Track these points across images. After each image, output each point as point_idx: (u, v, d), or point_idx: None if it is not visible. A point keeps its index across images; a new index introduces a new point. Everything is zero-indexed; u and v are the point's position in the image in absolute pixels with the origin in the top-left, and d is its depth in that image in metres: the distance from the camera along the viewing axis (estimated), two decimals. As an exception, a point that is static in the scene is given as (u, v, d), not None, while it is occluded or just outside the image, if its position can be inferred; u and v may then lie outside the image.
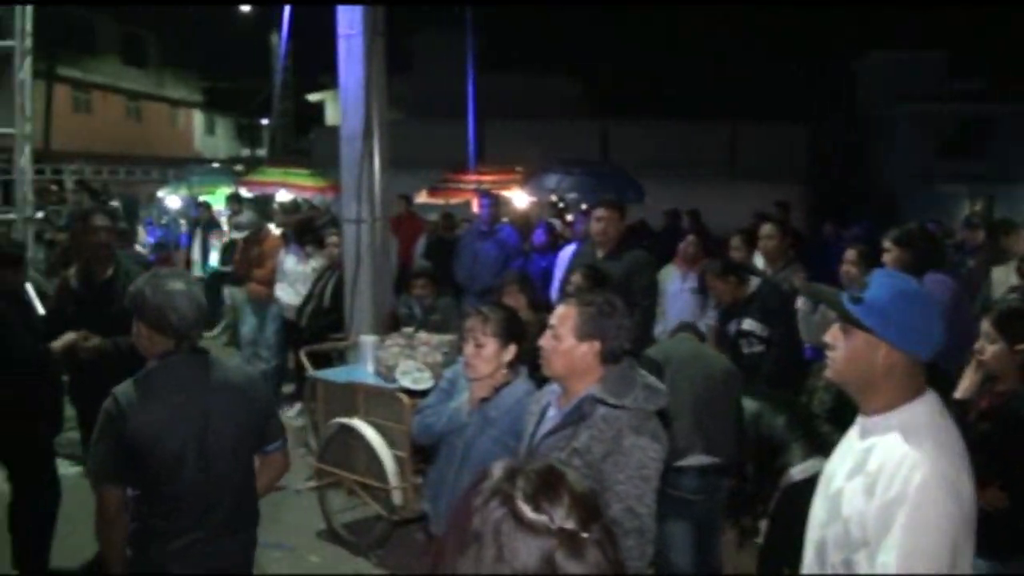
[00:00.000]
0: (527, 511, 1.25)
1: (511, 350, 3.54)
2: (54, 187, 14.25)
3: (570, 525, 1.25)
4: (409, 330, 5.94)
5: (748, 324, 5.60)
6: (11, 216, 8.06)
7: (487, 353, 3.51)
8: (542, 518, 1.25)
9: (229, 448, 3.08)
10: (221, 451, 3.04)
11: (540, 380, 3.34)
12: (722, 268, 5.86)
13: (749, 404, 4.58)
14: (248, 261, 9.22)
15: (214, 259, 12.15)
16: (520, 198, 13.64)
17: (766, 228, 6.79)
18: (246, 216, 9.85)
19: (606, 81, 28.63)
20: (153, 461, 2.93)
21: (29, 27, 7.83)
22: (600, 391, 2.87)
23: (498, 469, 1.34)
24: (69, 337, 4.88)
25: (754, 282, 5.79)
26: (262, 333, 8.97)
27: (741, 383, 4.66)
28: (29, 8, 7.80)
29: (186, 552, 3.00)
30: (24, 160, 8.01)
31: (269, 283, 8.91)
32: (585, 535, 1.25)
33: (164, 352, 3.05)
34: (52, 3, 23.04)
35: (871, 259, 5.38)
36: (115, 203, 13.78)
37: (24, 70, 7.85)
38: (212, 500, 3.05)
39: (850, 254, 5.80)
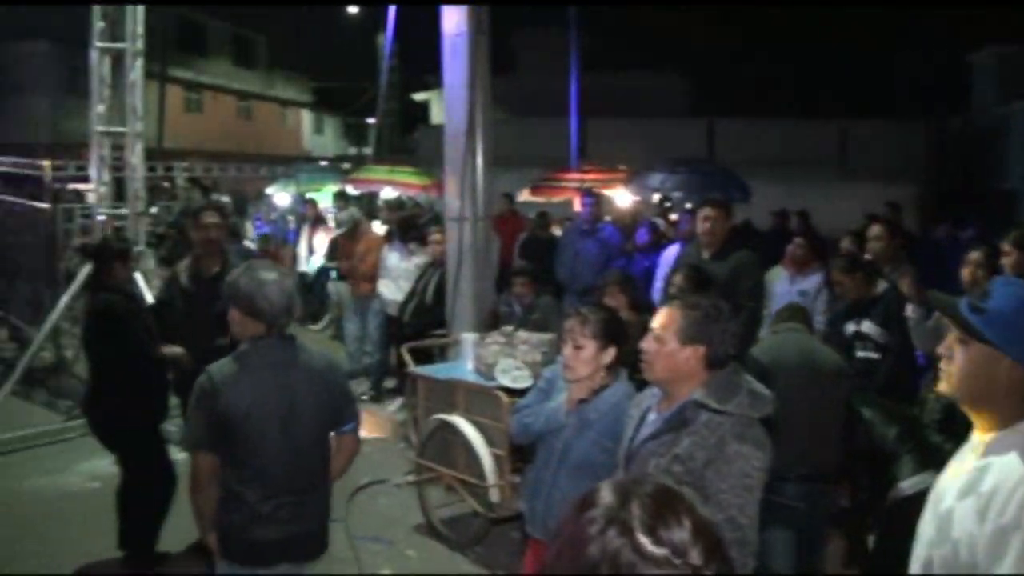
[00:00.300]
0: (647, 544, 1.18)
1: (610, 352, 3.48)
2: (166, 184, 14.74)
3: (695, 559, 1.17)
4: (509, 328, 5.93)
5: (867, 327, 5.38)
6: (123, 211, 8.36)
7: (586, 355, 3.46)
8: (663, 551, 1.17)
9: (309, 424, 3.34)
10: (302, 427, 3.31)
11: (640, 383, 3.26)
12: (850, 263, 5.64)
13: (860, 411, 4.42)
14: (348, 257, 9.38)
15: (320, 255, 12.39)
16: (623, 197, 13.52)
17: (874, 229, 6.57)
18: (343, 213, 10.01)
19: (712, 77, 28.09)
20: (241, 433, 3.21)
21: (140, 30, 8.10)
22: (703, 395, 2.79)
23: (607, 492, 1.27)
24: (176, 351, 5.06)
25: (881, 285, 5.57)
26: (364, 328, 9.10)
27: (852, 384, 4.49)
28: (140, 12, 8.07)
29: (268, 518, 3.27)
30: (135, 157, 8.31)
31: (370, 279, 9.04)
32: (709, 573, 1.18)
33: (255, 336, 3.29)
34: (166, 3, 24.03)
35: (993, 263, 5.12)
36: (225, 199, 14.18)
37: (135, 71, 8.13)
38: (293, 471, 3.31)
39: (975, 256, 5.39)
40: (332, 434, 3.51)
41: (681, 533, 1.20)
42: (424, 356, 7.03)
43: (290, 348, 3.37)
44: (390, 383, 8.99)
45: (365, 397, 8.83)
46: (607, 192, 12.45)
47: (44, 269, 10.47)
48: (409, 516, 6.02)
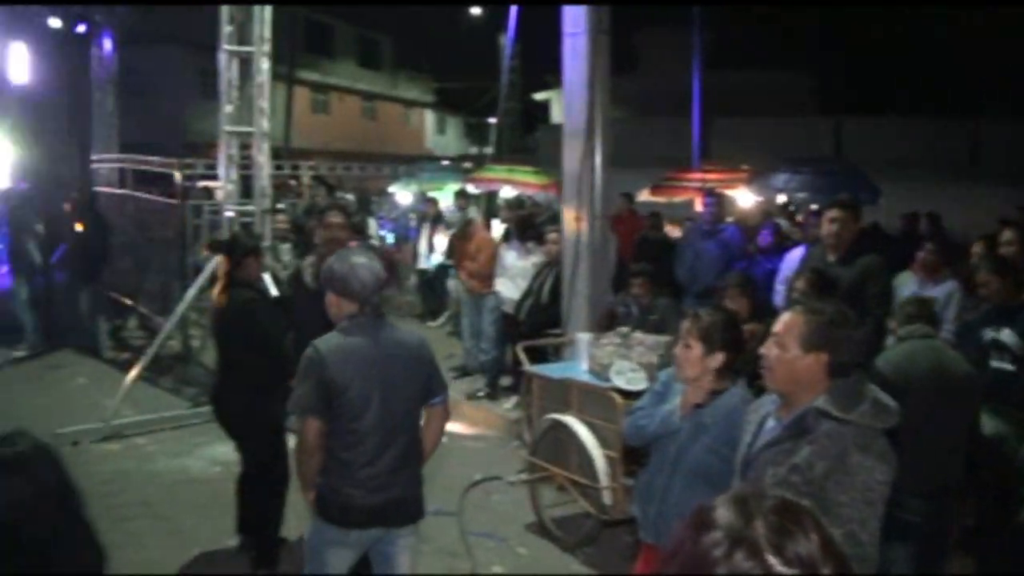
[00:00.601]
0: (777, 564, 1.13)
1: (717, 358, 3.39)
2: (292, 182, 15.19)
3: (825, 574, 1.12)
4: (625, 329, 5.88)
5: (1007, 336, 5.05)
6: (250, 208, 8.63)
7: (693, 355, 3.40)
8: (794, 572, 1.12)
9: (404, 395, 3.63)
10: (397, 397, 3.60)
11: (759, 390, 3.18)
12: (1003, 264, 5.31)
13: (992, 424, 4.21)
14: (461, 255, 9.47)
15: (439, 253, 12.55)
16: (746, 197, 13.25)
17: (1006, 234, 6.27)
18: (455, 213, 10.10)
19: (839, 75, 27.23)
20: (344, 402, 3.49)
21: (267, 33, 8.35)
22: (825, 403, 2.68)
23: (727, 509, 1.21)
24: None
25: None
26: (480, 326, 9.19)
27: (981, 393, 4.27)
28: (268, 16, 8.31)
29: (366, 483, 3.55)
30: (262, 156, 8.56)
31: (484, 277, 9.12)
32: None
33: (351, 315, 3.58)
34: (292, 3, 24.73)
35: None
36: (350, 197, 14.53)
37: (262, 73, 8.38)
38: (389, 439, 3.58)
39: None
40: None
41: (809, 548, 1.15)
42: (539, 355, 7.03)
43: (383, 325, 3.67)
44: (506, 381, 9.03)
45: (481, 394, 8.89)
46: (729, 192, 12.21)
47: (173, 262, 10.99)
48: (521, 514, 6.05)
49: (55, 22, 15.89)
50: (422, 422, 3.81)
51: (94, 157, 15.51)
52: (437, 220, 13.20)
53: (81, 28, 15.92)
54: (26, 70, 17.45)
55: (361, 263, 3.59)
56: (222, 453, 6.70)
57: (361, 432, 3.52)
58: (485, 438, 7.93)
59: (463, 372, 9.61)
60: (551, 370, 6.26)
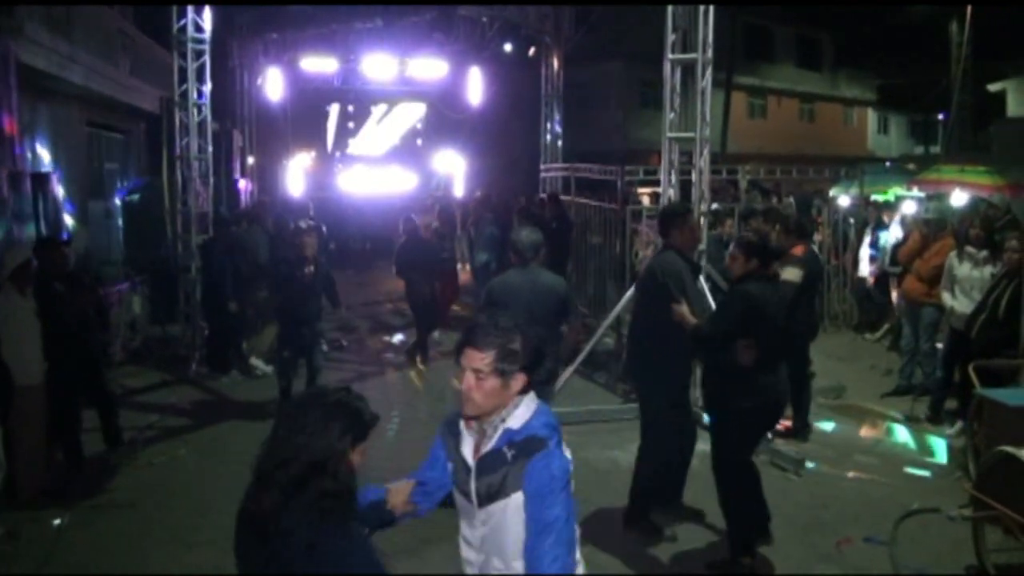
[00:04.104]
0: None
1: None
2: (730, 187, 15.16)
3: None
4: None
5: None
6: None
7: None
8: None
9: (541, 311, 5.67)
10: (538, 310, 5.65)
11: None
12: None
13: None
14: (910, 254, 8.88)
15: (882, 260, 11.88)
16: None
17: None
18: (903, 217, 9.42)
19: None
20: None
21: (710, 39, 8.40)
22: None
23: None
24: None
25: None
26: (921, 341, 8.51)
27: None
28: (711, 21, 8.37)
29: None
30: (702, 161, 8.64)
31: (928, 281, 8.56)
32: None
33: (513, 265, 6.12)
34: (738, 2, 24.67)
35: None
36: (789, 201, 14.22)
37: (705, 80, 8.46)
38: None
39: None
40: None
41: None
42: (992, 378, 6.35)
43: (532, 271, 6.02)
44: (952, 404, 8.23)
45: (921, 416, 8.22)
46: None
47: (610, 264, 11.50)
48: (960, 553, 5.42)
49: (509, 47, 17.44)
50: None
51: (542, 167, 16.74)
52: (879, 226, 12.47)
53: (531, 50, 17.28)
54: (480, 92, 19.36)
55: (524, 232, 6.16)
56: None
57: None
58: (924, 464, 7.30)
59: (903, 390, 8.94)
60: (1006, 396, 5.64)
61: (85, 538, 5.89)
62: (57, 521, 6.10)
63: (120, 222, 15.07)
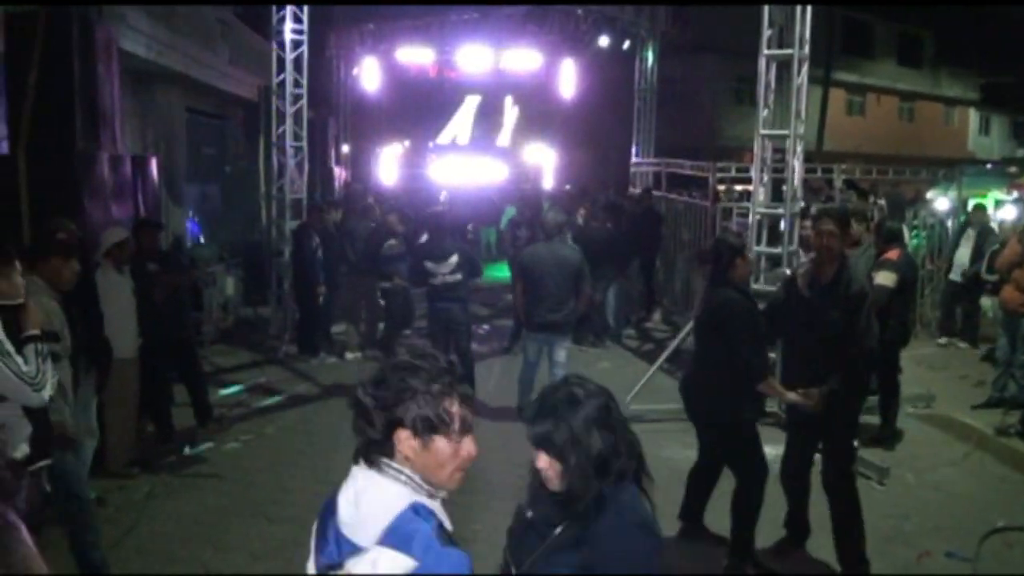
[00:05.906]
0: None
1: None
2: (824, 186, 14.83)
3: None
4: None
5: None
6: (779, 211, 8.56)
7: None
8: None
9: (559, 278, 7.75)
10: (557, 277, 7.72)
11: None
12: None
13: None
14: (1009, 263, 8.55)
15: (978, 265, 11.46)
16: None
17: None
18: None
19: None
20: (533, 275, 7.83)
21: (807, 35, 8.22)
22: None
23: None
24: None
25: None
26: (1013, 350, 8.20)
27: None
28: (808, 18, 8.19)
29: (544, 312, 7.82)
30: (795, 159, 8.47)
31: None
32: None
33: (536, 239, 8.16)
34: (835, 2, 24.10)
35: None
36: (881, 202, 13.83)
37: (801, 76, 8.28)
38: (555, 300, 7.77)
39: None
40: None
41: None
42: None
43: (556, 244, 7.96)
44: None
45: (1012, 431, 7.94)
46: None
47: (699, 261, 11.36)
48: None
49: (603, 40, 17.30)
50: None
51: (633, 161, 16.61)
52: (981, 231, 12.05)
53: (626, 44, 17.13)
54: (573, 84, 19.30)
55: (551, 214, 8.22)
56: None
57: (541, 293, 7.79)
58: (1012, 481, 7.04)
59: (994, 402, 8.63)
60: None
61: (170, 508, 6.12)
62: (145, 490, 6.35)
63: (216, 205, 15.50)
